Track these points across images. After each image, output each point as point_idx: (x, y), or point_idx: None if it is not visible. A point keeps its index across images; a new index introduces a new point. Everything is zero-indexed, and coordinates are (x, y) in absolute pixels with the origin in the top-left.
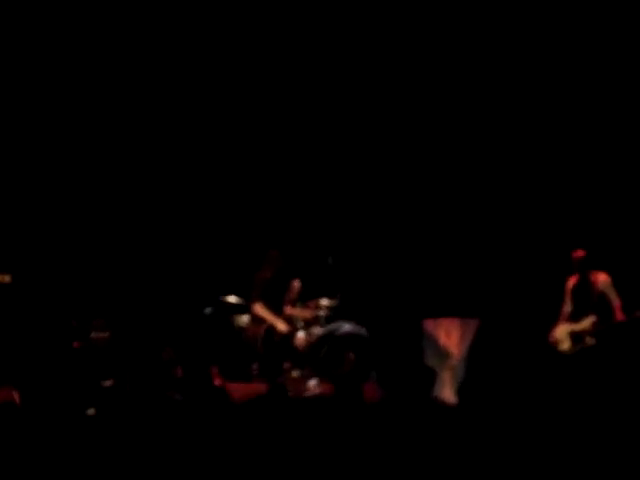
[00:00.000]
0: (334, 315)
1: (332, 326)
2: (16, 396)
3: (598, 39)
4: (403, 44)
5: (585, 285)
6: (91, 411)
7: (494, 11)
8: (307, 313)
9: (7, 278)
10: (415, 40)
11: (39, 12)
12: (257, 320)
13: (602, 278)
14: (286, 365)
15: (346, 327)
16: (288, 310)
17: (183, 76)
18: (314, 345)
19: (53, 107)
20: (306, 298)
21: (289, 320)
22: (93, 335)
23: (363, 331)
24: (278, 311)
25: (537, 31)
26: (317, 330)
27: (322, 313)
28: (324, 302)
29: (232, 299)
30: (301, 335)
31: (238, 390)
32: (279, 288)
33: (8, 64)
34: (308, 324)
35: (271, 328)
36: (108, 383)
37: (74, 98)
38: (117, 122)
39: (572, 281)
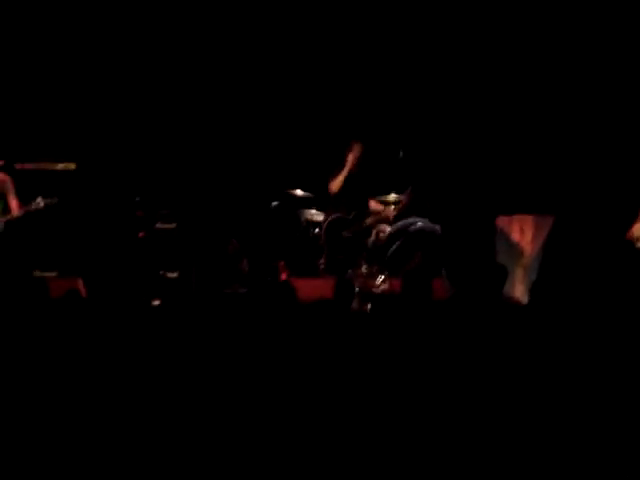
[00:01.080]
0: (406, 212)
1: (404, 222)
2: (81, 285)
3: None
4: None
5: None
6: (156, 302)
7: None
8: (388, 211)
9: (72, 166)
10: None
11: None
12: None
13: None
14: (355, 260)
15: (419, 224)
16: (373, 204)
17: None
18: (386, 241)
19: None
20: (376, 193)
21: (370, 215)
22: (159, 225)
23: (436, 228)
24: (364, 204)
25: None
26: (387, 226)
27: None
28: (393, 197)
29: (299, 192)
30: (375, 231)
31: (304, 286)
32: (362, 180)
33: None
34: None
35: (337, 220)
36: (173, 275)
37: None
38: None
39: None
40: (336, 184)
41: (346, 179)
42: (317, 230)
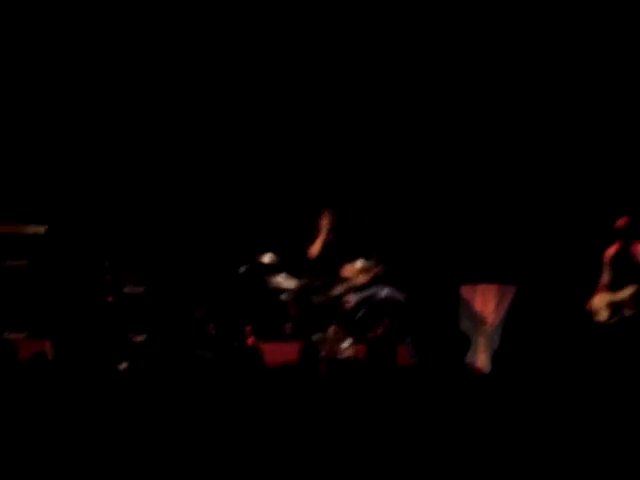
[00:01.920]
0: (376, 279)
1: (371, 290)
2: (48, 348)
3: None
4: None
5: (626, 254)
6: (123, 365)
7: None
8: (361, 277)
9: (42, 230)
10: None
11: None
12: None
13: None
14: (322, 325)
15: (385, 292)
16: (345, 271)
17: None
18: (353, 308)
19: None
20: (347, 260)
21: (343, 281)
22: (127, 290)
23: (401, 297)
24: (334, 271)
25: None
26: (355, 293)
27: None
28: (359, 265)
29: (267, 258)
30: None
31: (271, 350)
32: (331, 247)
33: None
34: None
35: (306, 287)
36: (140, 338)
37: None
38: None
39: (612, 250)
40: (315, 249)
41: (323, 245)
42: (285, 295)
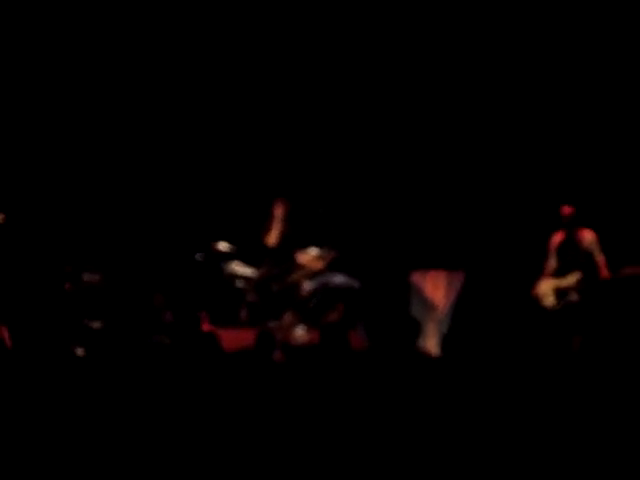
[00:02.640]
0: (331, 266)
1: (325, 277)
2: (6, 335)
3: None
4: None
5: (571, 242)
6: (80, 352)
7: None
8: (317, 263)
9: (0, 217)
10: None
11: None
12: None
13: (588, 235)
14: (277, 312)
15: (339, 279)
16: (300, 258)
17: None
18: (307, 295)
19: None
20: (295, 248)
21: (299, 268)
22: (84, 277)
23: (355, 284)
24: (290, 258)
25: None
26: (309, 280)
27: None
28: (313, 252)
29: (223, 245)
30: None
31: (227, 336)
32: (287, 235)
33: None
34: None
35: (262, 274)
36: (97, 325)
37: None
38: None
39: (558, 237)
40: (272, 238)
41: (279, 233)
42: (240, 282)
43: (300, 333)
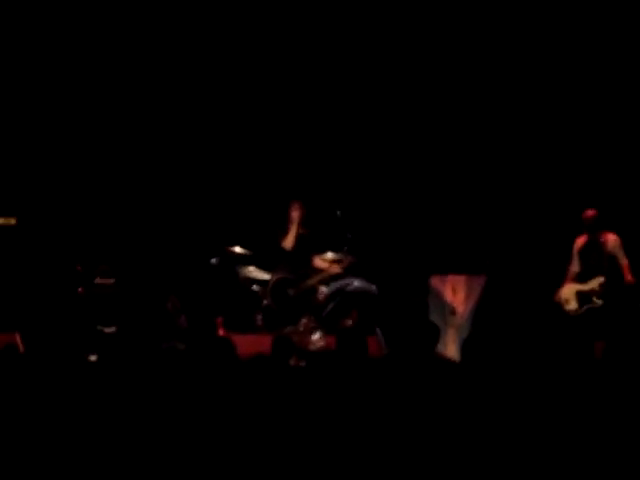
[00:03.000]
0: (348, 270)
1: (342, 282)
2: (19, 340)
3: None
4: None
5: (594, 245)
6: (93, 357)
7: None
8: (334, 267)
9: (12, 221)
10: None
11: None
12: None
13: (612, 239)
14: (293, 317)
15: (356, 284)
16: (317, 262)
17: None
18: (324, 300)
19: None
20: (319, 251)
21: (316, 272)
22: (98, 281)
23: (372, 288)
24: (306, 262)
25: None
26: (326, 285)
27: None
28: (330, 256)
29: (238, 249)
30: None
31: (243, 342)
32: (304, 239)
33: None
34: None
35: (283, 279)
36: (111, 330)
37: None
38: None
39: (581, 241)
40: (289, 241)
41: (295, 236)
42: (256, 287)
43: (317, 338)
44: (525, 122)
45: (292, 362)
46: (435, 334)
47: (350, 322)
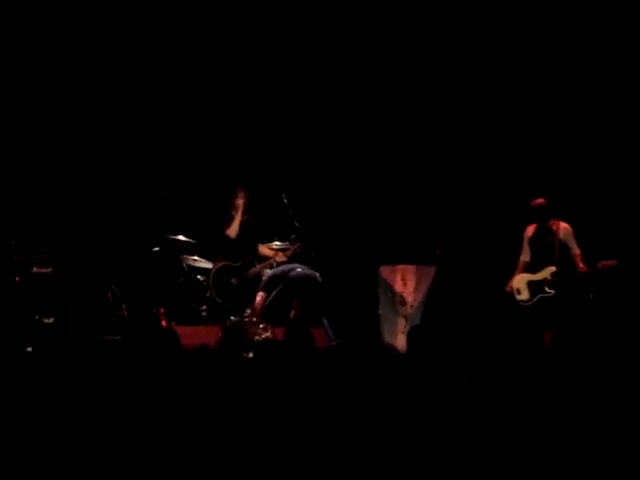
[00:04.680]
0: (293, 258)
1: (285, 267)
2: None
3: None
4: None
5: (545, 234)
6: (30, 348)
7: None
8: (280, 256)
9: None
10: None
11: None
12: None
13: (563, 227)
14: (236, 308)
15: (299, 270)
16: (262, 250)
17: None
18: (265, 285)
19: None
20: (263, 239)
21: (261, 261)
22: (35, 270)
23: (316, 275)
24: (251, 250)
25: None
26: (267, 273)
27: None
28: (275, 244)
29: (181, 237)
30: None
31: (186, 333)
32: (248, 226)
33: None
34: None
35: (225, 267)
36: (49, 320)
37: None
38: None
39: (531, 229)
40: (233, 229)
41: (240, 224)
42: (199, 276)
43: (262, 329)
44: (472, 111)
45: (240, 354)
46: (384, 324)
47: (295, 311)
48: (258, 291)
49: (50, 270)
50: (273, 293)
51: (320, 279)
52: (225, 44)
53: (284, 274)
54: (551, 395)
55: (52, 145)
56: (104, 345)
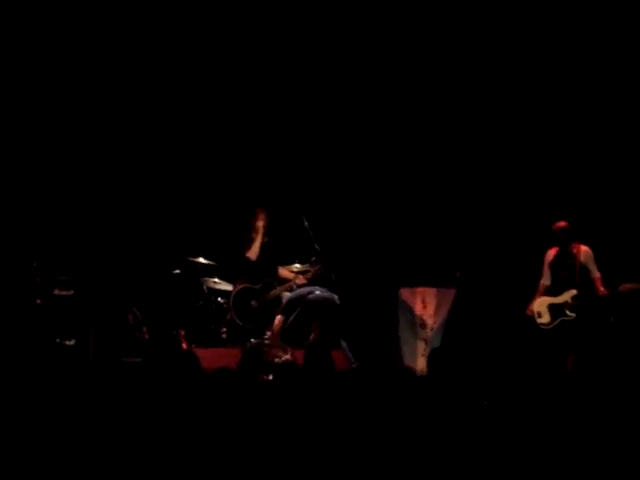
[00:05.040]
0: (314, 280)
1: (301, 291)
2: None
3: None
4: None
5: (566, 257)
6: (52, 370)
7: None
8: (300, 278)
9: None
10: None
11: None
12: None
13: (584, 250)
14: (257, 330)
15: (317, 292)
16: (282, 272)
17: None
18: (284, 308)
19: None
20: (284, 262)
21: (281, 283)
22: (56, 292)
23: (334, 298)
24: (271, 273)
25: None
26: (286, 295)
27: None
28: (295, 267)
29: (201, 260)
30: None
31: (207, 355)
32: (268, 248)
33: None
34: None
35: (245, 289)
36: (70, 342)
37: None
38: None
39: (552, 253)
40: (254, 252)
41: (260, 246)
42: (220, 299)
43: (282, 351)
44: (493, 135)
45: (261, 376)
46: (404, 346)
47: (314, 334)
48: (277, 314)
49: (71, 292)
50: (292, 317)
51: (338, 302)
52: (250, 66)
53: (302, 297)
54: (572, 418)
55: (75, 168)
56: (124, 367)
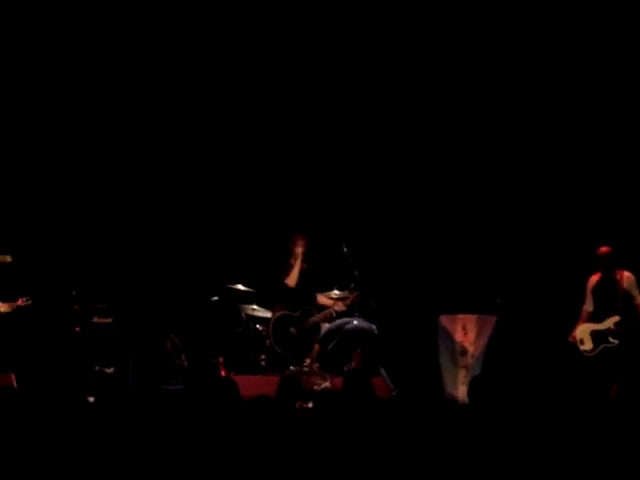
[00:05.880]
0: (352, 307)
1: (341, 321)
2: (14, 381)
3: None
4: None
5: (609, 283)
6: (91, 398)
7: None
8: (339, 305)
9: (8, 259)
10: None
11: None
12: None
13: (627, 276)
14: (299, 357)
15: (355, 322)
16: (321, 299)
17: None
18: (322, 339)
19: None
20: (322, 289)
21: (320, 310)
22: (95, 320)
23: (372, 327)
24: (310, 299)
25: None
26: (326, 324)
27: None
28: (334, 293)
29: (240, 287)
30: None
31: (245, 383)
32: (307, 274)
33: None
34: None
35: (284, 317)
36: (109, 370)
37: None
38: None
39: (595, 279)
40: (293, 278)
41: (299, 273)
42: (258, 326)
43: (321, 379)
44: (538, 157)
45: (297, 404)
46: (445, 375)
47: (356, 363)
48: (315, 343)
49: (110, 320)
50: (329, 347)
51: (376, 331)
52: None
53: (340, 328)
54: (616, 447)
55: (115, 195)
56: (164, 395)
